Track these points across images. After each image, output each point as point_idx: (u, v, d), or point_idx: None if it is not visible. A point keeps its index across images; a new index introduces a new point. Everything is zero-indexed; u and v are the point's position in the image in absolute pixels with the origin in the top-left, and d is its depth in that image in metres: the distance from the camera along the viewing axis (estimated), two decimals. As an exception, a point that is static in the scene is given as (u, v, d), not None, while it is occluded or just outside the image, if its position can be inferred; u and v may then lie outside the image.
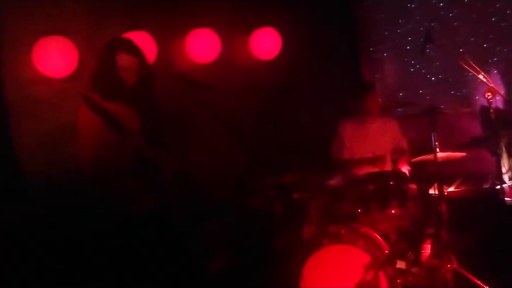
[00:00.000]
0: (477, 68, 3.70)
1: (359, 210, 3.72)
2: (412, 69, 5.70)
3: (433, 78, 5.59)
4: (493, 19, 5.46)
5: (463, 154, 3.83)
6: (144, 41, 4.12)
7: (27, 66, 3.77)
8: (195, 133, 4.49)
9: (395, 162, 4.27)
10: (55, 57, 3.78)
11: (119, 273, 2.88)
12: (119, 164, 2.86)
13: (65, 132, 3.73)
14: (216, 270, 4.11)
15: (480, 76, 3.68)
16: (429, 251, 3.86)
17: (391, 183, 3.69)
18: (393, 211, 3.65)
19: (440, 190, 3.74)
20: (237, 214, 4.31)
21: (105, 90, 2.91)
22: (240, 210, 4.24)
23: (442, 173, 3.72)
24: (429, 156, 3.73)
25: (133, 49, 2.98)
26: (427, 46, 3.81)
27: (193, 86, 2.93)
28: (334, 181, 4.07)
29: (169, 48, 4.50)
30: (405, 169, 4.31)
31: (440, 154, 3.68)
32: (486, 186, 4.71)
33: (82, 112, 2.85)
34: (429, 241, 3.90)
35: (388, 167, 4.26)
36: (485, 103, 3.92)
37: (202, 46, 4.57)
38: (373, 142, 4.34)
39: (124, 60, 2.92)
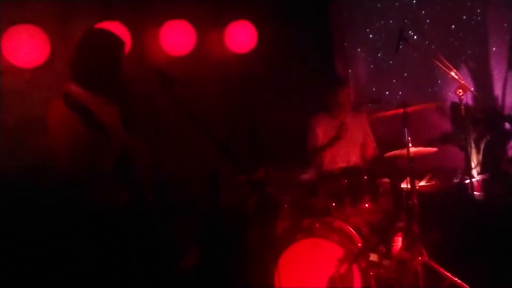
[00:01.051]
0: (449, 65, 3.76)
1: (333, 205, 3.76)
2: (384, 66, 5.78)
3: (405, 74, 5.68)
4: (463, 17, 5.58)
5: (434, 149, 3.91)
6: (118, 32, 4.03)
7: (-4, 55, 3.67)
8: (166, 127, 4.44)
9: (364, 158, 4.32)
10: (25, 46, 3.67)
11: (86, 268, 2.83)
12: (98, 162, 2.80)
13: (34, 124, 3.66)
14: (187, 266, 4.09)
15: (452, 73, 3.74)
16: (400, 244, 3.93)
17: (364, 177, 3.74)
18: (366, 205, 3.69)
19: (412, 184, 3.80)
20: (209, 210, 4.30)
21: (92, 82, 2.83)
22: (212, 206, 4.22)
23: (414, 167, 3.78)
24: (402, 151, 3.79)
25: (123, 49, 2.93)
26: (400, 43, 3.84)
27: (166, 80, 2.87)
28: (307, 176, 4.10)
29: (143, 40, 4.42)
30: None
31: (412, 149, 3.74)
32: (456, 180, 4.83)
33: (57, 107, 2.76)
34: (400, 234, 3.98)
35: (358, 160, 4.30)
36: (456, 100, 4.00)
37: (177, 38, 4.50)
38: (345, 136, 4.38)
39: (114, 55, 2.86)
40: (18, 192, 3.63)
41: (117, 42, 2.93)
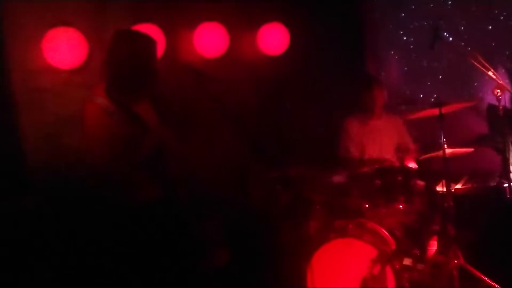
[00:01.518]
0: (486, 65, 3.69)
1: (366, 205, 3.72)
2: (418, 67, 5.69)
3: (440, 76, 5.59)
4: (501, 18, 5.46)
5: (470, 149, 3.83)
6: (153, 34, 4.11)
7: (36, 56, 3.77)
8: (199, 125, 4.49)
9: (401, 159, 4.26)
10: (64, 48, 3.78)
11: (122, 264, 2.88)
12: (133, 157, 2.84)
13: (69, 122, 3.75)
14: (218, 265, 4.10)
15: (490, 73, 3.67)
16: (435, 247, 3.86)
17: (398, 178, 3.69)
18: (400, 206, 3.64)
19: (447, 187, 3.73)
20: (240, 208, 4.31)
21: (127, 83, 2.89)
22: (244, 204, 4.23)
23: (449, 170, 3.71)
24: (437, 153, 3.73)
25: (155, 52, 2.98)
26: (435, 43, 3.78)
27: (202, 79, 2.91)
28: (338, 177, 4.07)
29: (177, 41, 4.48)
30: (412, 165, 4.31)
31: (448, 151, 3.68)
32: (493, 184, 4.70)
33: (93, 107, 2.82)
34: (435, 237, 3.90)
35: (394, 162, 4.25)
36: (494, 100, 3.91)
37: (210, 40, 4.55)
38: (379, 138, 4.35)
39: (149, 56, 2.92)
40: (53, 188, 3.72)
41: (148, 42, 2.97)
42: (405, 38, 5.75)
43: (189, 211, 3.09)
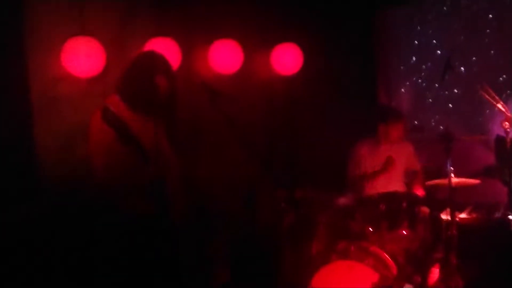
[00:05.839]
0: (496, 97, 3.73)
1: (370, 229, 3.75)
2: (429, 95, 5.73)
3: (450, 105, 5.62)
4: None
5: (477, 181, 3.85)
6: (169, 48, 4.20)
7: (55, 65, 3.84)
8: (209, 143, 4.54)
9: (408, 185, 4.29)
10: (82, 57, 3.84)
11: (120, 275, 2.91)
12: (130, 177, 2.89)
13: (83, 131, 3.80)
14: (220, 284, 4.11)
15: (499, 105, 3.71)
16: (437, 275, 3.86)
17: (403, 204, 3.72)
18: (404, 232, 3.66)
19: (452, 215, 3.75)
20: (244, 228, 4.33)
21: (137, 103, 2.97)
22: (248, 223, 4.25)
23: (455, 198, 3.73)
24: (444, 181, 3.75)
25: (170, 72, 3.06)
26: (447, 73, 3.84)
27: (216, 96, 2.97)
28: (344, 200, 4.10)
29: (192, 56, 4.57)
30: (419, 192, 4.33)
31: (454, 180, 3.70)
32: (498, 215, 4.70)
33: (95, 120, 2.89)
34: (437, 265, 3.91)
35: (400, 187, 4.28)
36: (502, 133, 3.94)
37: (225, 56, 4.63)
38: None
39: (161, 82, 2.99)
40: (65, 194, 3.77)
41: (167, 66, 3.05)
42: (416, 65, 5.81)
43: (181, 227, 3.11)
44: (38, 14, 3.77)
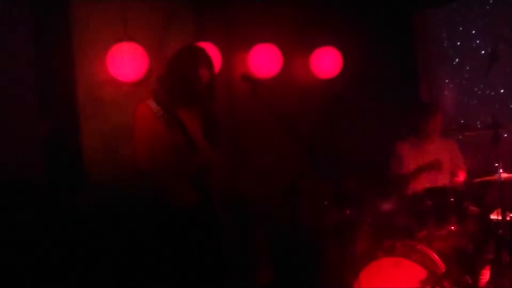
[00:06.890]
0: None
1: (416, 227, 3.65)
2: (473, 90, 5.57)
3: (496, 106, 5.44)
4: None
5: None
6: (210, 52, 4.26)
7: (100, 69, 3.96)
8: (251, 138, 4.56)
9: (453, 182, 4.17)
10: (127, 62, 3.95)
11: (164, 267, 2.94)
12: (176, 166, 2.93)
13: (127, 132, 3.89)
14: (263, 282, 4.08)
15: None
16: (487, 277, 3.70)
17: (450, 199, 3.61)
18: (452, 228, 3.55)
19: (503, 214, 3.61)
20: (287, 225, 4.29)
21: (180, 94, 3.03)
22: (291, 220, 4.21)
23: (505, 196, 3.59)
24: (492, 177, 3.63)
25: (211, 65, 3.13)
26: (492, 65, 3.74)
27: (258, 87, 3.00)
28: (388, 199, 4.01)
29: (232, 60, 4.63)
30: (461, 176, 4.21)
31: (503, 175, 3.57)
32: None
33: (142, 108, 2.96)
34: (488, 267, 3.75)
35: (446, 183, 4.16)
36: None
37: (265, 60, 4.67)
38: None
39: (204, 74, 3.07)
40: (111, 195, 3.86)
41: (208, 58, 3.11)
42: (457, 60, 5.67)
43: (223, 220, 3.12)
44: (84, 18, 3.91)
